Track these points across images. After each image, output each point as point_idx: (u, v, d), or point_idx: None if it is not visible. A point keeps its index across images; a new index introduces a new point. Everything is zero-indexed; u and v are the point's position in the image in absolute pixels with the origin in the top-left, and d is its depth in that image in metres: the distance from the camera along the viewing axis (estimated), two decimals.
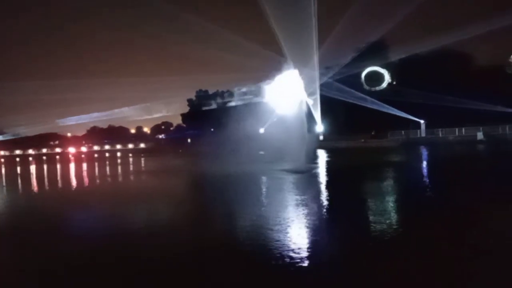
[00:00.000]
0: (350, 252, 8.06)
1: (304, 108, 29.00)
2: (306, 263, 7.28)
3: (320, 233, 9.67)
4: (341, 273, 6.92)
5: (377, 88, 69.12)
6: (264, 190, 19.00)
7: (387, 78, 70.06)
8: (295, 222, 10.54)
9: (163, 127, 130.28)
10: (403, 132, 61.64)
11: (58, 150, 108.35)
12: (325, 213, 12.15)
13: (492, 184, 16.31)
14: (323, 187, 18.97)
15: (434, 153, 40.49)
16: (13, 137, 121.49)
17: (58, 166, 48.14)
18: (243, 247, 8.64)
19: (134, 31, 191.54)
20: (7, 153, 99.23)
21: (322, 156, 39.27)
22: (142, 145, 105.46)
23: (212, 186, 20.63)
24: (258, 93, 31.66)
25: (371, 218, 11.01)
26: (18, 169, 46.05)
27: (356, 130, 61.22)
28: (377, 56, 68.75)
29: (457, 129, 57.03)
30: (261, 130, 35.92)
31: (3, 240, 10.69)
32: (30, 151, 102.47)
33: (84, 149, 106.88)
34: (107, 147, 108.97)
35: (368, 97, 63.83)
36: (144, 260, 7.99)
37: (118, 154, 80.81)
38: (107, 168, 39.83)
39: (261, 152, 31.34)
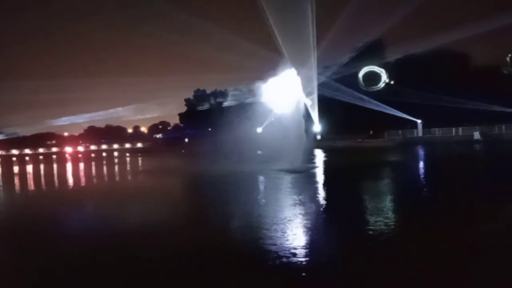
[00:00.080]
0: (348, 251, 8.06)
1: (302, 107, 29.01)
2: (303, 263, 7.27)
3: (316, 233, 9.67)
4: (339, 272, 6.92)
5: (375, 88, 69.25)
6: (261, 190, 18.99)
7: (385, 78, 70.20)
8: (292, 222, 10.53)
9: (160, 126, 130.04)
10: (400, 132, 61.81)
11: (55, 149, 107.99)
12: (322, 213, 12.16)
13: (488, 183, 16.37)
14: (320, 186, 18.99)
15: (431, 153, 40.62)
16: (10, 137, 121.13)
17: (54, 166, 47.98)
18: (239, 247, 8.63)
19: (132, 31, 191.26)
20: (3, 152, 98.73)
21: (320, 156, 39.31)
22: (139, 145, 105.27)
23: (209, 186, 20.60)
24: (256, 92, 31.57)
25: (367, 217, 11.01)
26: (14, 169, 45.82)
27: (354, 129, 61.33)
28: (375, 56, 68.90)
29: (454, 129, 57.23)
30: (259, 130, 35.92)
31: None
32: (27, 151, 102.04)
33: (81, 148, 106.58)
34: (104, 146, 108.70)
35: (365, 97, 63.99)
36: (139, 260, 7.97)
37: (115, 153, 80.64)
38: (104, 168, 39.73)
39: (259, 152, 31.34)
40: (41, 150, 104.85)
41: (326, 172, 25.11)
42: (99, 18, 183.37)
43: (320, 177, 22.66)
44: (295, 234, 9.33)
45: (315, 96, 43.08)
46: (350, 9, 62.58)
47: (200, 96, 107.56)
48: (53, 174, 34.32)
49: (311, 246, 8.41)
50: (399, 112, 58.82)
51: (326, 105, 54.58)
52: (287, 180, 20.37)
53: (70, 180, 28.04)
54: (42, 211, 15.19)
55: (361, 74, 70.67)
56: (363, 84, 70.26)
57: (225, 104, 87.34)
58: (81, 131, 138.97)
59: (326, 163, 32.65)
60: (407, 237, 9.01)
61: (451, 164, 27.77)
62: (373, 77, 70.51)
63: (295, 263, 7.25)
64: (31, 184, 26.72)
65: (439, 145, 49.33)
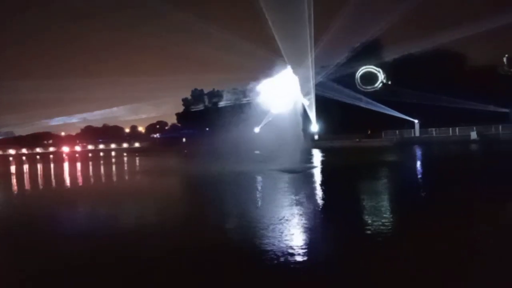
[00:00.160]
0: (345, 251, 8.09)
1: (300, 107, 29.04)
2: (301, 263, 7.29)
3: (314, 233, 9.69)
4: (336, 272, 6.94)
5: (372, 88, 69.42)
6: (259, 189, 18.99)
7: (382, 78, 70.37)
8: (289, 222, 10.55)
9: (158, 126, 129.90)
10: (397, 131, 61.95)
11: (52, 149, 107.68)
12: (320, 213, 12.18)
13: (485, 183, 16.42)
14: (317, 186, 19.02)
15: (428, 152, 40.75)
16: (6, 137, 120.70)
17: (51, 165, 47.83)
18: (237, 247, 8.64)
19: (130, 31, 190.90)
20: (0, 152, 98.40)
21: (317, 156, 39.35)
22: (136, 145, 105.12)
23: (207, 185, 20.59)
24: (253, 92, 31.54)
25: (364, 217, 11.04)
26: (11, 168, 45.63)
27: (351, 129, 61.45)
28: (372, 55, 69.09)
29: (451, 129, 57.42)
30: (256, 130, 35.92)
31: None
32: (24, 151, 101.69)
33: (78, 148, 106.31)
34: (101, 146, 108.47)
35: (362, 97, 64.14)
36: (137, 260, 7.97)
37: (113, 153, 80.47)
38: (101, 168, 39.64)
39: (257, 152, 31.33)
40: (38, 150, 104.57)
41: (324, 172, 25.14)
42: (98, 18, 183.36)
43: (317, 177, 22.69)
44: (292, 234, 9.34)
45: (312, 96, 43.16)
46: (347, 9, 62.66)
47: (198, 96, 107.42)
48: (50, 174, 34.21)
49: (308, 246, 8.42)
50: (396, 112, 58.98)
51: (323, 105, 54.68)
52: (284, 180, 20.38)
53: (67, 180, 27.94)
54: (38, 211, 15.13)
55: (358, 74, 70.82)
56: (360, 84, 70.42)
57: (223, 104, 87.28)
58: (78, 130, 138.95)
59: (323, 163, 32.69)
60: (404, 237, 9.04)
61: (448, 164, 27.87)
62: (370, 77, 70.68)
63: (292, 263, 7.27)
64: (27, 184, 26.62)
65: (436, 145, 49.49)
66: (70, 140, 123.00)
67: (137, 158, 54.58)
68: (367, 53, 68.03)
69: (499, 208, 11.39)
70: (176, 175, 28.30)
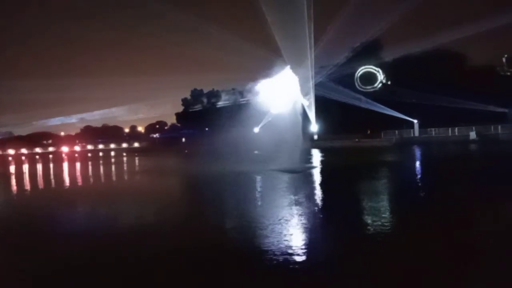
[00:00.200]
0: (344, 251, 8.10)
1: (299, 107, 29.03)
2: (299, 263, 7.30)
3: (313, 232, 9.70)
4: (335, 272, 6.95)
5: (371, 88, 69.45)
6: (258, 189, 19.01)
7: (381, 78, 70.41)
8: (289, 222, 10.56)
9: (157, 126, 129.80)
10: (396, 131, 62.00)
11: (51, 149, 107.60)
12: (319, 213, 12.19)
13: (484, 183, 16.44)
14: (317, 186, 19.03)
15: (427, 152, 40.79)
16: (5, 137, 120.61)
17: (50, 165, 47.81)
18: (235, 247, 8.66)
19: (128, 31, 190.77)
20: None
21: (317, 156, 39.38)
22: (136, 145, 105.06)
23: (206, 185, 20.61)
24: (253, 92, 31.57)
25: (364, 217, 11.06)
26: (10, 168, 45.61)
27: (350, 129, 61.49)
28: (371, 56, 69.12)
29: (450, 129, 57.46)
30: (256, 130, 35.94)
31: None
32: (23, 151, 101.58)
33: (77, 148, 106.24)
34: (101, 146, 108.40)
35: (362, 97, 64.17)
36: (134, 260, 7.99)
37: (112, 153, 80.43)
38: (100, 168, 39.64)
39: (256, 152, 31.35)
40: (37, 149, 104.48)
41: (323, 172, 25.16)
42: (97, 19, 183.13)
43: (316, 177, 22.70)
44: (291, 234, 9.35)
45: (312, 96, 43.13)
46: (347, 8, 62.64)
47: (197, 96, 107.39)
48: (49, 174, 34.20)
49: (307, 246, 8.44)
50: (396, 112, 59.04)
51: (323, 105, 54.59)
52: (283, 180, 20.40)
53: (66, 180, 27.94)
54: (37, 211, 15.14)
55: (357, 74, 70.85)
56: (359, 84, 70.45)
57: (222, 104, 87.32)
58: (78, 130, 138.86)
59: (323, 163, 32.72)
60: (402, 236, 9.06)
61: (447, 164, 27.88)
62: (369, 77, 70.72)
63: (291, 263, 7.28)
64: (26, 184, 26.61)
65: (436, 145, 49.53)
66: (70, 140, 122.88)
67: (136, 158, 54.55)
68: (366, 53, 68.07)
69: (497, 208, 11.41)
70: (175, 175, 28.31)
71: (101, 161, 51.60)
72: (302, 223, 10.60)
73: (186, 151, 60.23)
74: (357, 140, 59.49)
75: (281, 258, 7.48)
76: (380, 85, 70.08)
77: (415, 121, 60.40)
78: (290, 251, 7.88)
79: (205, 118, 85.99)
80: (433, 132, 59.14)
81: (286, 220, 10.79)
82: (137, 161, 49.10)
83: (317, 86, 51.89)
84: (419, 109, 56.38)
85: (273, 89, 29.48)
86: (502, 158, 29.76)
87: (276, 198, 14.79)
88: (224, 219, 11.81)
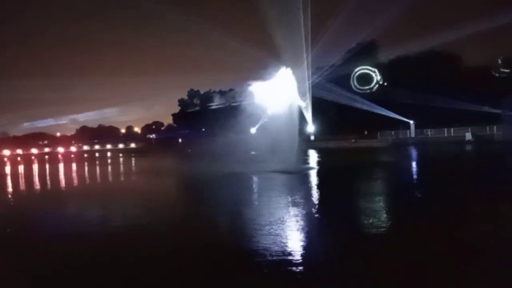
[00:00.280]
0: (342, 251, 8.13)
1: (296, 108, 29.03)
2: (297, 263, 7.32)
3: (310, 233, 9.71)
4: (334, 273, 6.97)
5: (367, 89, 69.64)
6: (254, 190, 19.01)
7: (377, 78, 70.61)
8: (286, 223, 10.58)
9: (154, 127, 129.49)
10: (392, 132, 62.17)
11: (47, 150, 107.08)
12: (315, 213, 12.21)
13: (479, 183, 16.53)
14: (313, 187, 19.06)
15: (423, 153, 40.94)
16: (1, 137, 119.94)
17: (46, 166, 47.60)
18: (233, 247, 8.66)
19: (127, 31, 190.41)
20: None
21: (313, 157, 39.44)
22: (132, 145, 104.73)
23: (203, 186, 20.59)
24: (249, 93, 31.56)
25: (360, 218, 11.09)
26: (6, 169, 45.36)
27: (347, 130, 61.62)
28: (368, 57, 69.31)
29: (446, 130, 57.67)
30: (253, 131, 35.93)
31: None
32: (18, 151, 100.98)
33: (73, 149, 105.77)
34: (97, 147, 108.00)
35: (358, 98, 64.32)
36: (132, 260, 7.98)
37: (108, 154, 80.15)
38: (96, 169, 39.50)
39: (253, 153, 31.34)
40: (33, 150, 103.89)
41: (319, 172, 25.19)
42: (97, 19, 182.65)
43: (313, 178, 22.73)
44: (288, 235, 9.37)
45: (308, 97, 43.22)
46: (343, 10, 62.90)
47: (194, 96, 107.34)
48: (45, 175, 34.05)
49: (304, 247, 8.46)
50: (392, 113, 59.22)
51: (319, 105, 54.82)
52: (280, 181, 20.41)
53: (62, 181, 27.83)
54: (34, 212, 15.07)
55: (354, 74, 71.02)
56: (356, 84, 70.62)
57: (219, 104, 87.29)
58: (74, 131, 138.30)
59: (319, 163, 32.77)
60: (400, 237, 9.09)
61: (442, 165, 27.99)
62: (366, 78, 70.91)
63: (289, 263, 7.29)
64: (21, 185, 26.49)
65: (431, 146, 49.72)
66: (66, 140, 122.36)
67: (132, 159, 54.39)
68: (362, 54, 68.27)
69: (492, 208, 11.47)
70: (171, 175, 28.23)
71: (97, 162, 51.42)
72: (298, 224, 10.61)
73: (189, 150, 60.01)
74: (353, 140, 59.61)
75: (276, 258, 7.50)
76: (377, 85, 70.29)
77: (411, 121, 60.60)
78: (287, 252, 7.89)
79: (202, 119, 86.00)
80: (429, 133, 59.35)
81: (283, 221, 10.80)
82: (133, 162, 48.97)
83: (314, 86, 52.07)
84: (415, 110, 56.57)
85: (270, 90, 29.47)
86: (497, 159, 29.94)
87: (271, 200, 14.78)
88: (219, 220, 11.80)
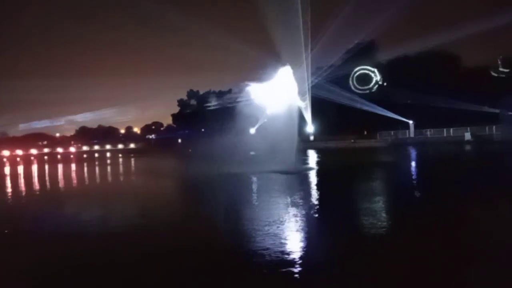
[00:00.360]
0: (341, 252, 8.14)
1: (295, 108, 29.04)
2: (296, 263, 7.32)
3: (309, 233, 9.71)
4: (333, 273, 6.98)
5: (367, 89, 69.66)
6: (254, 190, 19.00)
7: (377, 79, 70.64)
8: (285, 223, 10.58)
9: (153, 127, 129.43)
10: (392, 132, 62.21)
11: (46, 150, 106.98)
12: (315, 214, 12.21)
13: (478, 183, 16.54)
14: (313, 187, 19.07)
15: (422, 153, 40.96)
16: (0, 137, 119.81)
17: (46, 167, 47.55)
18: (232, 248, 8.67)
19: (126, 31, 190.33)
20: None
21: (313, 157, 39.45)
22: (132, 146, 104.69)
23: (202, 187, 20.58)
24: (249, 93, 31.57)
25: (359, 218, 11.09)
26: (5, 170, 45.30)
27: (346, 130, 61.64)
28: (367, 57, 69.33)
29: (445, 130, 57.72)
30: (252, 131, 35.90)
31: None
32: (18, 152, 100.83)
33: (73, 149, 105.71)
34: (96, 147, 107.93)
35: (357, 98, 64.34)
36: (131, 260, 7.98)
37: (107, 154, 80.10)
38: (96, 170, 39.48)
39: (252, 153, 31.34)
40: (32, 151, 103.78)
41: (319, 173, 25.21)
42: (97, 19, 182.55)
43: (313, 178, 22.74)
44: (287, 235, 9.37)
45: (308, 97, 43.19)
46: (343, 10, 62.87)
47: (193, 97, 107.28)
48: (44, 175, 34.02)
49: (304, 247, 8.46)
50: (391, 113, 59.25)
51: (319, 106, 54.72)
52: (279, 181, 20.41)
53: (61, 182, 27.81)
54: (34, 212, 15.06)
55: (353, 75, 71.05)
56: (355, 85, 70.65)
57: (218, 105, 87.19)
58: (73, 131, 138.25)
59: (318, 164, 32.78)
60: (400, 237, 9.09)
61: (441, 165, 28.01)
62: (365, 78, 70.95)
63: (288, 263, 7.29)
64: (21, 186, 26.46)
65: (431, 146, 49.76)
66: (65, 141, 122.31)
67: (132, 159, 54.35)
68: (362, 54, 68.29)
69: (491, 208, 11.49)
70: (170, 176, 28.23)
71: (96, 162, 51.39)
72: (298, 225, 10.61)
73: (189, 150, 59.95)
74: (353, 141, 59.64)
75: (275, 258, 7.50)
76: (376, 86, 70.32)
77: (411, 122, 60.64)
78: (286, 252, 7.89)
79: (201, 119, 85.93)
80: (428, 133, 59.40)
81: (282, 221, 10.80)
82: (132, 162, 48.94)
83: (313, 87, 51.99)
84: (415, 110, 56.62)
85: (269, 90, 29.49)
86: (496, 159, 29.98)
87: (270, 200, 14.78)
88: (219, 220, 11.80)
